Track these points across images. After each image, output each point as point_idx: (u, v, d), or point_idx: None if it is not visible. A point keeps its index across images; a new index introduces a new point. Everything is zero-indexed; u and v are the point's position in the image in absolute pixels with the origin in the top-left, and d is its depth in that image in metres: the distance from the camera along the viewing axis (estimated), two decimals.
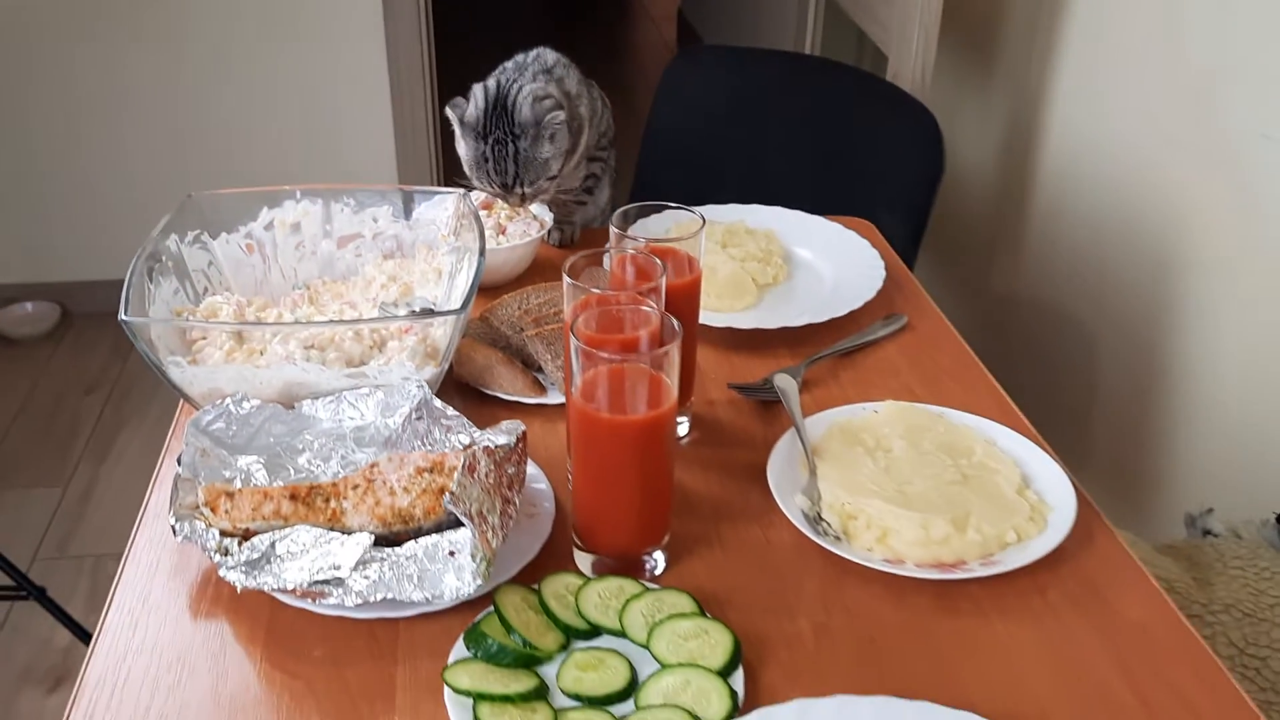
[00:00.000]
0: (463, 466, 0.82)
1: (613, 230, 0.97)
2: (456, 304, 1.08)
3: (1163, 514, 1.83)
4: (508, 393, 1.08)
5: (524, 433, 0.91)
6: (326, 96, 2.96)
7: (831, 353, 1.17)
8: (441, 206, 1.23)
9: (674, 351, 0.80)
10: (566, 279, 0.88)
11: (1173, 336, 1.80)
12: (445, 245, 1.20)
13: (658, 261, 0.90)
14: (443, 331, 1.01)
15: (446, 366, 1.02)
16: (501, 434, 0.92)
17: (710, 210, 1.41)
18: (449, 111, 1.26)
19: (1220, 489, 1.68)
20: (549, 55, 1.32)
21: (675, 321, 0.81)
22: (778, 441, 0.99)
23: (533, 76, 1.27)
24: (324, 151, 3.03)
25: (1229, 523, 1.45)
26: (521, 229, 1.29)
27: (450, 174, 1.30)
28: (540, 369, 1.11)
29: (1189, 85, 1.74)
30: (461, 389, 1.10)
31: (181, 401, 1.06)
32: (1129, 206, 1.92)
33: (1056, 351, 2.21)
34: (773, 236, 1.36)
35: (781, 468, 0.96)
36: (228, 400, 0.95)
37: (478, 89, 1.26)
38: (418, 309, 1.13)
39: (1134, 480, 1.93)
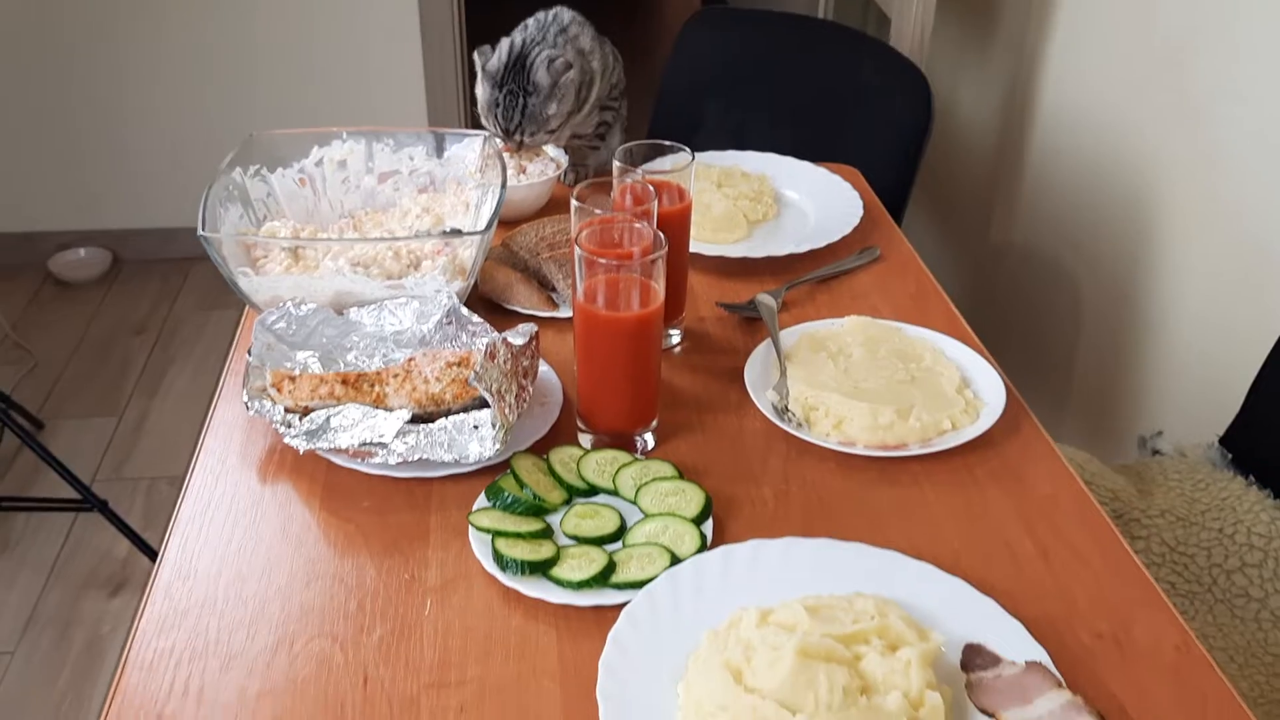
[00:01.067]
0: (484, 353, 0.99)
1: (615, 164, 1.14)
2: (482, 225, 1.25)
3: (1130, 441, 1.98)
4: (525, 307, 1.25)
5: (537, 333, 1.08)
6: (359, 43, 3.12)
7: (810, 279, 1.33)
8: (470, 147, 1.39)
9: (661, 261, 0.96)
10: (575, 202, 1.05)
11: (1143, 280, 1.94)
12: (472, 181, 1.36)
13: (652, 189, 1.07)
14: (469, 252, 1.18)
15: (473, 282, 1.19)
16: (518, 335, 1.09)
17: (709, 155, 1.57)
18: (476, 56, 1.42)
19: (1178, 417, 1.83)
20: (565, 14, 1.48)
21: (662, 236, 0.98)
22: (754, 350, 1.16)
23: (551, 39, 1.43)
24: (357, 95, 3.20)
25: (1178, 445, 1.61)
26: (540, 168, 1.46)
27: (477, 117, 1.47)
28: (554, 288, 1.28)
29: (1162, 50, 1.88)
30: (485, 304, 1.27)
31: (246, 309, 1.24)
32: (1110, 161, 2.06)
33: (1044, 297, 2.36)
34: (764, 179, 1.52)
35: (757, 370, 1.13)
36: (288, 303, 1.12)
37: (504, 43, 1.42)
38: (447, 228, 1.30)
39: (1108, 412, 2.08)
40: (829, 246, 1.37)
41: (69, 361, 2.93)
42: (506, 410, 0.99)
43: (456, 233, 1.18)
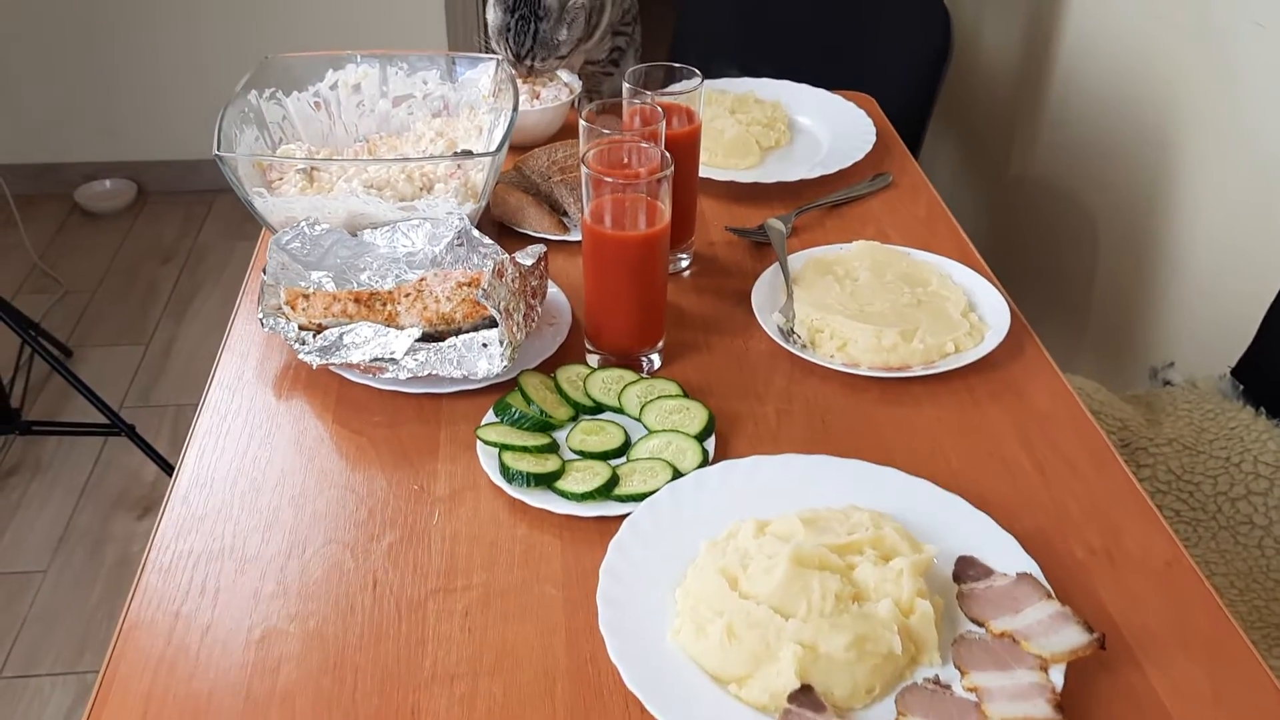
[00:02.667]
0: (492, 270, 1.01)
1: (625, 86, 1.14)
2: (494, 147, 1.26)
3: (1143, 373, 1.98)
4: (536, 231, 1.26)
5: (545, 253, 1.09)
6: None
7: (820, 204, 1.33)
8: (483, 71, 1.40)
9: (667, 182, 0.97)
10: (583, 123, 1.06)
11: (1160, 211, 1.93)
12: (485, 105, 1.37)
13: (660, 111, 1.07)
14: (481, 174, 1.19)
15: (484, 204, 1.20)
16: (527, 255, 1.10)
17: (724, 82, 1.57)
18: None
19: (1191, 348, 1.83)
20: None
21: (669, 156, 0.99)
22: (762, 274, 1.17)
23: None
24: (377, 18, 3.19)
25: (1189, 376, 1.61)
26: (554, 94, 1.46)
27: (489, 41, 1.47)
28: (565, 212, 1.29)
29: None
30: (497, 227, 1.28)
31: (262, 231, 1.26)
32: (1130, 89, 2.03)
33: (1061, 228, 2.34)
34: (778, 106, 1.51)
35: (764, 292, 1.14)
36: (302, 223, 1.14)
37: None
38: (459, 149, 1.31)
39: (1123, 344, 2.08)
40: (840, 172, 1.37)
41: (96, 290, 2.97)
42: (514, 328, 1.00)
43: (468, 154, 1.19)
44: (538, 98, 1.46)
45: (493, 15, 1.42)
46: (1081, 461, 0.96)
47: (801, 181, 1.35)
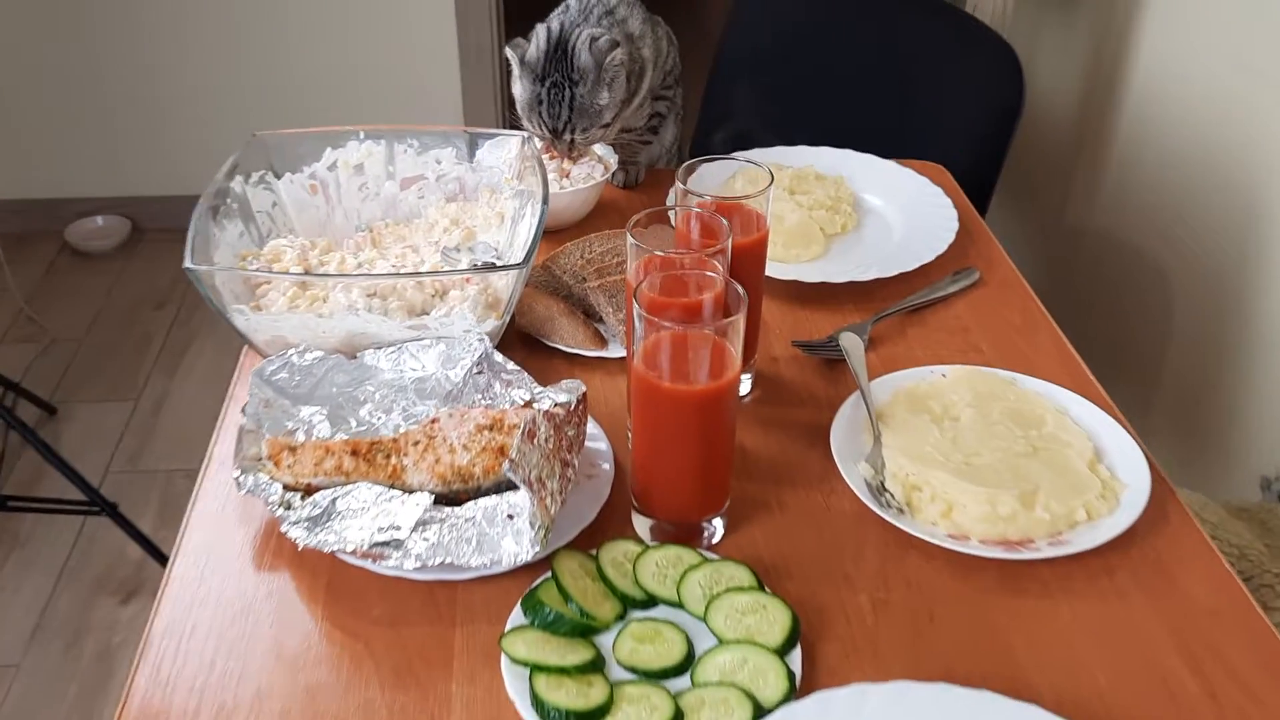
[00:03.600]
0: (522, 432, 0.81)
1: (678, 186, 0.95)
2: (519, 251, 1.07)
3: (1234, 473, 1.78)
4: (568, 345, 1.07)
5: (584, 394, 0.90)
6: (393, 27, 2.93)
7: (899, 309, 1.14)
8: (505, 149, 1.21)
9: (739, 320, 0.78)
10: (630, 238, 0.87)
11: (1253, 284, 1.73)
12: (508, 189, 1.18)
13: (724, 222, 0.88)
14: (505, 282, 1.00)
15: (508, 319, 1.01)
16: (562, 392, 0.91)
17: (778, 153, 1.38)
18: (509, 51, 1.23)
19: None
20: None
21: (740, 289, 0.79)
22: (842, 404, 0.98)
23: (596, 19, 1.24)
24: (389, 83, 3.01)
25: None
26: (586, 171, 1.27)
27: (513, 115, 1.28)
28: (600, 318, 1.10)
29: (1275, 15, 1.65)
30: (523, 338, 1.09)
31: (244, 350, 1.07)
32: (1214, 146, 1.84)
33: (1128, 293, 2.15)
34: (842, 183, 1.32)
35: (845, 432, 0.95)
36: (291, 351, 0.95)
37: (540, 29, 1.23)
38: (480, 261, 1.12)
39: (1203, 435, 1.88)
40: (920, 268, 1.18)
41: (85, 338, 2.79)
42: (548, 502, 0.81)
43: (490, 267, 1.00)
44: (567, 176, 1.27)
45: (520, 89, 1.23)
46: (1259, 681, 0.76)
47: (876, 280, 1.16)
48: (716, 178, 1.31)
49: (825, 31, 1.86)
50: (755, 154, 1.37)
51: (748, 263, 0.94)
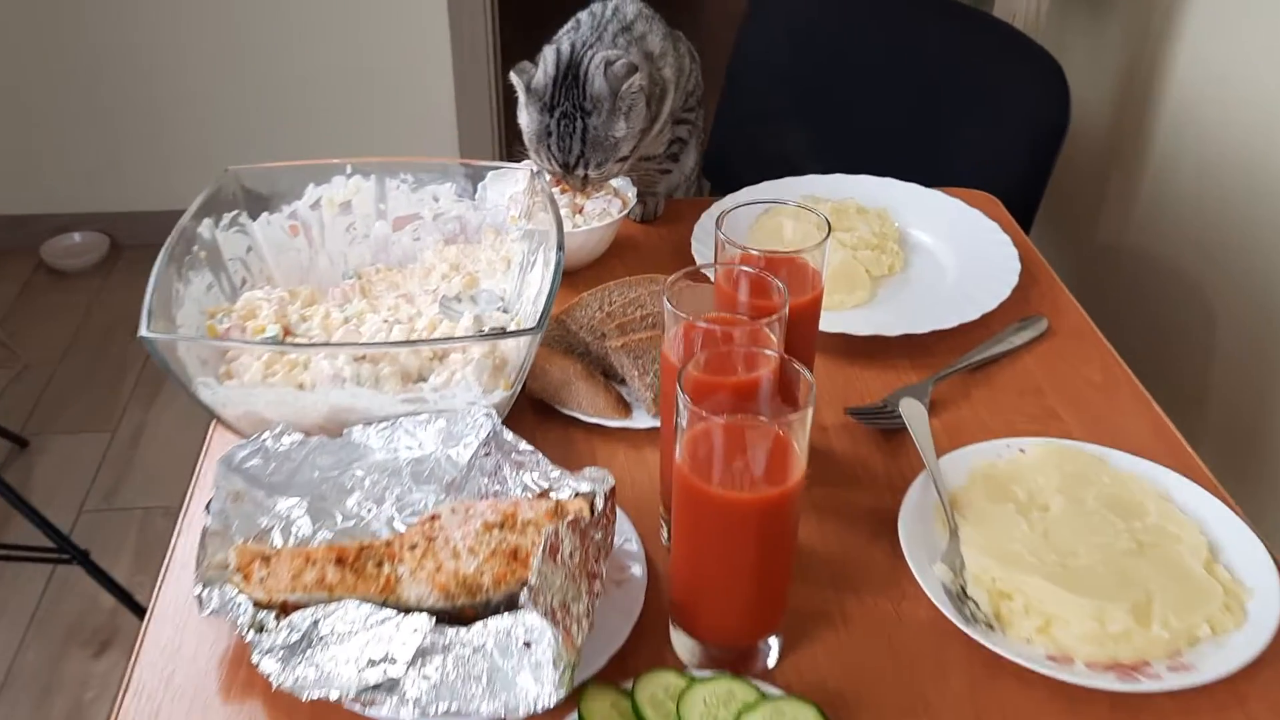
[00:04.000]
0: (543, 550, 0.67)
1: (720, 236, 0.81)
2: (529, 302, 0.93)
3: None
4: (587, 413, 0.93)
5: (613, 489, 0.76)
6: (384, 50, 2.79)
7: (961, 367, 1.00)
8: (511, 184, 1.07)
9: (808, 415, 0.64)
10: (667, 304, 0.73)
11: None
12: (515, 229, 1.04)
13: (780, 286, 0.74)
14: (515, 347, 0.86)
15: (518, 390, 0.87)
16: (584, 481, 0.78)
17: (811, 182, 1.24)
18: (514, 77, 1.10)
19: None
20: (629, 6, 1.15)
21: (808, 374, 0.66)
22: (908, 489, 0.84)
23: (611, 38, 1.10)
24: (377, 104, 2.88)
25: None
26: (601, 206, 1.13)
27: (512, 144, 1.14)
28: (623, 380, 0.96)
29: None
30: (534, 404, 0.95)
31: (211, 430, 0.93)
32: (1259, 153, 1.71)
33: (1167, 312, 2.01)
34: (886, 216, 1.18)
35: (914, 523, 0.81)
36: (265, 435, 0.81)
37: (548, 52, 1.09)
38: (484, 312, 0.98)
39: (1259, 468, 1.75)
40: (981, 317, 1.04)
41: (60, 364, 2.64)
42: (574, 630, 0.67)
43: (501, 333, 0.86)
44: (580, 212, 1.13)
45: (527, 119, 1.09)
46: None
47: (934, 332, 1.02)
48: (744, 214, 1.17)
49: (847, 41, 1.72)
50: (787, 184, 1.24)
51: (800, 326, 0.80)
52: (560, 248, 0.92)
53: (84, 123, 2.90)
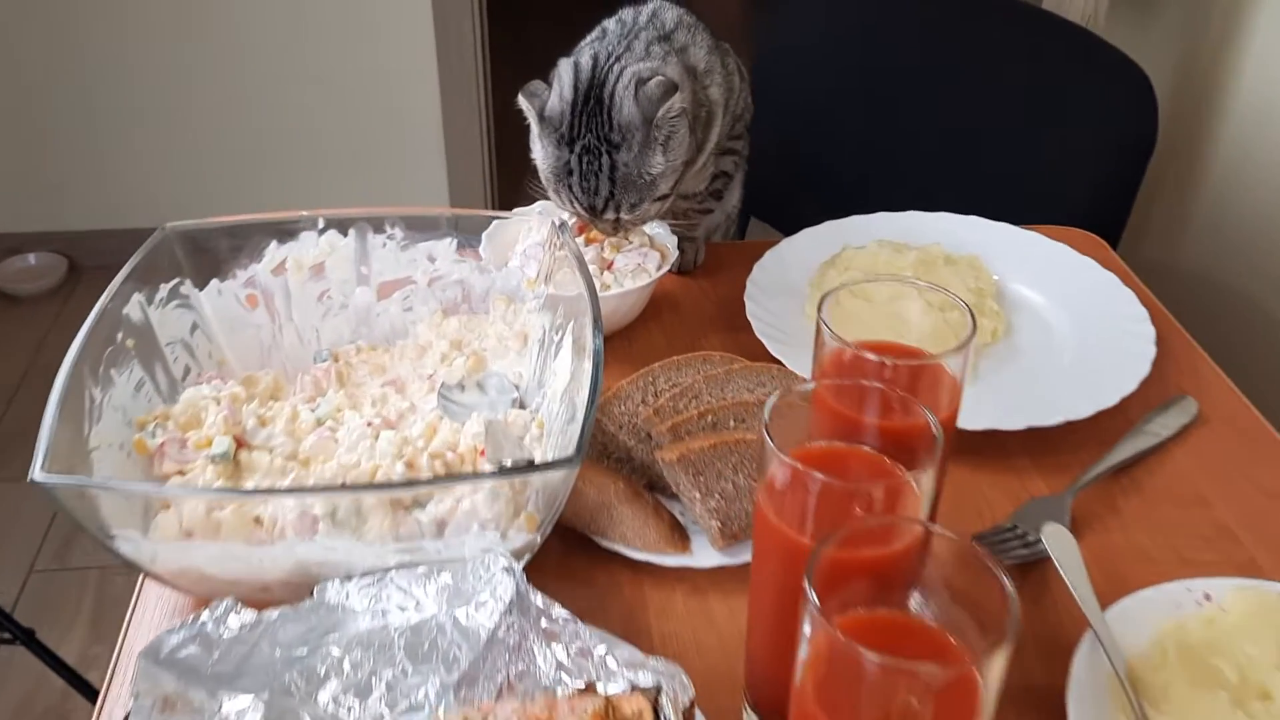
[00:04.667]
0: None
1: (825, 334, 0.60)
2: (555, 398, 0.73)
3: None
4: (634, 546, 0.72)
5: (693, 701, 0.55)
6: (362, 52, 2.56)
7: (1104, 471, 0.79)
8: (522, 235, 0.86)
9: (1006, 650, 0.43)
10: (769, 441, 0.52)
11: None
12: (533, 296, 0.83)
13: (929, 417, 0.53)
14: (540, 481, 0.64)
15: (548, 532, 0.66)
16: (646, 671, 0.56)
17: (883, 223, 1.04)
18: (522, 102, 0.88)
19: None
20: (668, 13, 0.93)
21: (1006, 581, 0.44)
22: (1071, 656, 0.63)
23: (644, 48, 0.89)
24: (353, 122, 2.65)
25: None
26: (634, 261, 0.92)
27: (524, 178, 0.92)
28: (675, 497, 0.75)
29: None
30: (561, 530, 0.74)
31: (140, 582, 0.71)
32: None
33: (1222, 341, 1.80)
34: (979, 266, 0.97)
35: (1086, 701, 0.60)
36: (204, 615, 0.59)
37: (564, 67, 0.88)
38: (496, 402, 0.77)
39: None
40: (1119, 400, 0.83)
41: (12, 399, 2.42)
42: None
43: (530, 467, 0.64)
44: (609, 269, 0.92)
45: (542, 153, 0.88)
46: None
47: (1066, 423, 0.81)
48: (809, 259, 0.97)
49: (889, 48, 1.50)
50: (853, 225, 1.03)
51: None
52: (598, 328, 0.71)
53: (38, 135, 2.68)
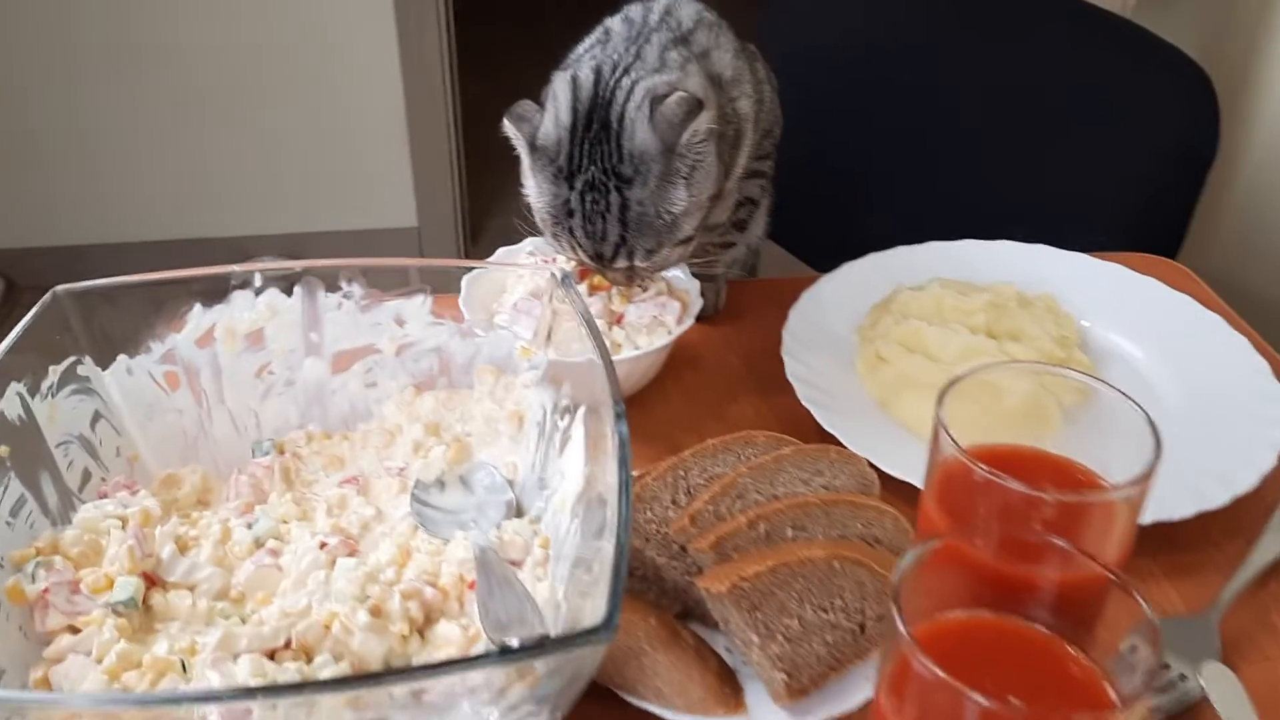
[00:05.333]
0: None
1: (948, 445, 0.43)
2: (564, 507, 0.56)
3: None
4: (673, 707, 0.55)
5: None
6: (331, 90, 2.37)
7: (1250, 579, 0.63)
8: (512, 285, 0.69)
9: None
10: (901, 628, 0.35)
11: None
12: (528, 366, 0.66)
13: (1145, 609, 0.36)
14: (546, 668, 0.47)
15: (563, 715, 0.49)
16: None
17: (937, 254, 0.87)
18: (509, 129, 0.71)
19: None
20: (684, 8, 0.76)
21: None
22: None
23: (658, 56, 0.72)
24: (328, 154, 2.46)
25: None
26: (649, 313, 0.75)
27: (516, 207, 0.75)
28: (718, 627, 0.58)
29: None
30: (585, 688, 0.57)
31: None
32: None
33: None
34: (1056, 308, 0.81)
35: None
36: None
37: (560, 85, 0.71)
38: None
39: None
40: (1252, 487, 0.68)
41: None
42: None
43: (540, 647, 0.47)
44: (619, 323, 0.75)
45: (536, 189, 0.71)
46: None
47: (1201, 515, 0.65)
48: (844, 306, 0.81)
49: (910, 45, 1.34)
50: (900, 257, 0.87)
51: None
52: (621, 415, 0.54)
53: None
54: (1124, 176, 1.21)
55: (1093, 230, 1.09)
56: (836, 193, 1.25)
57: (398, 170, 2.51)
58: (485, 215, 2.66)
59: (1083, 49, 1.26)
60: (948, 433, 0.45)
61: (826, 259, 0.90)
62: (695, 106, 0.68)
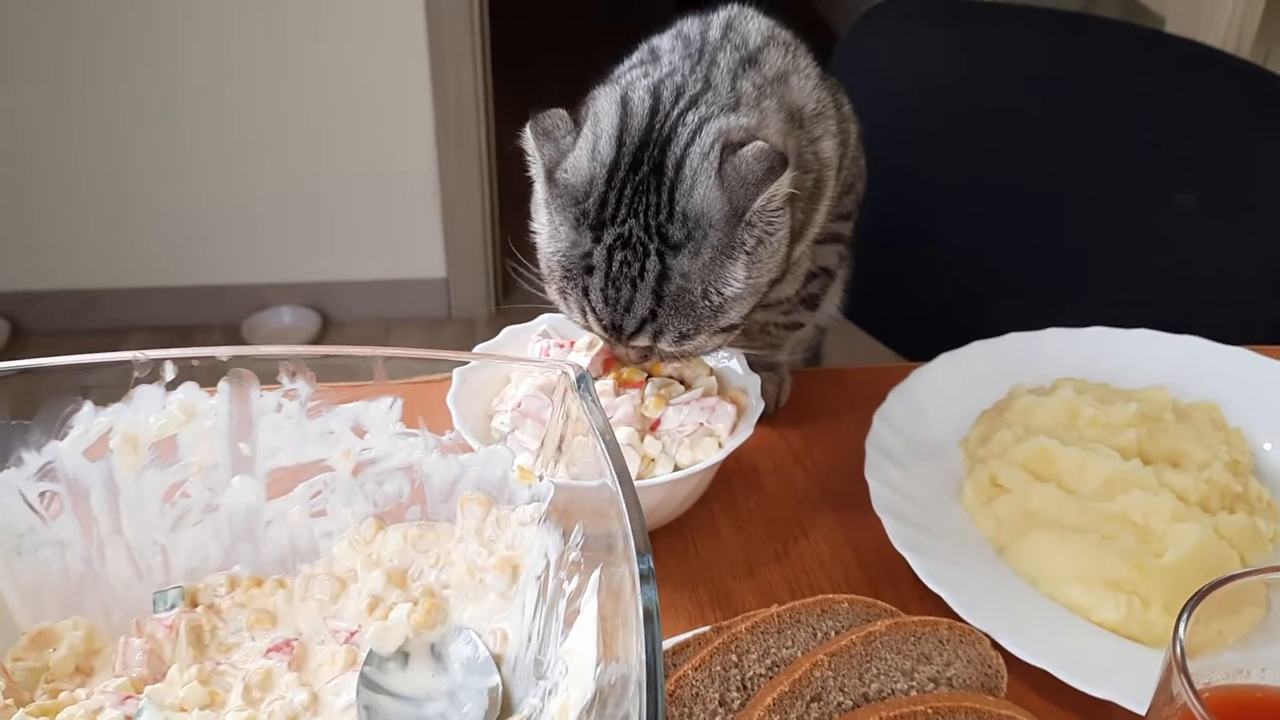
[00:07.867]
0: None
1: (1191, 703, 0.25)
2: (572, 706, 0.38)
3: None
4: None
5: None
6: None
7: None
8: (518, 381, 0.52)
9: None
10: None
11: None
12: (528, 499, 0.48)
13: None
14: None
15: None
16: None
17: (1058, 344, 0.69)
18: (528, 141, 0.54)
19: None
20: (750, 23, 0.59)
21: None
22: None
23: (730, 83, 0.55)
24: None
25: None
26: (694, 420, 0.57)
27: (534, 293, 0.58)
28: None
29: None
30: None
31: None
32: None
33: None
34: (1220, 420, 0.63)
35: None
36: None
37: (606, 103, 0.54)
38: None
39: None
40: None
41: None
42: None
43: None
44: (653, 431, 0.57)
45: (549, 229, 0.54)
46: None
47: None
48: (945, 409, 0.63)
49: (1002, 88, 1.16)
50: (1011, 348, 0.69)
51: None
52: (649, 575, 0.36)
53: None
54: (1259, 248, 1.03)
55: (1225, 314, 0.91)
56: (916, 264, 1.07)
57: (426, 218, 2.37)
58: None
59: (1198, 95, 1.08)
60: (1188, 684, 0.27)
61: (910, 343, 0.73)
62: (779, 163, 0.51)
